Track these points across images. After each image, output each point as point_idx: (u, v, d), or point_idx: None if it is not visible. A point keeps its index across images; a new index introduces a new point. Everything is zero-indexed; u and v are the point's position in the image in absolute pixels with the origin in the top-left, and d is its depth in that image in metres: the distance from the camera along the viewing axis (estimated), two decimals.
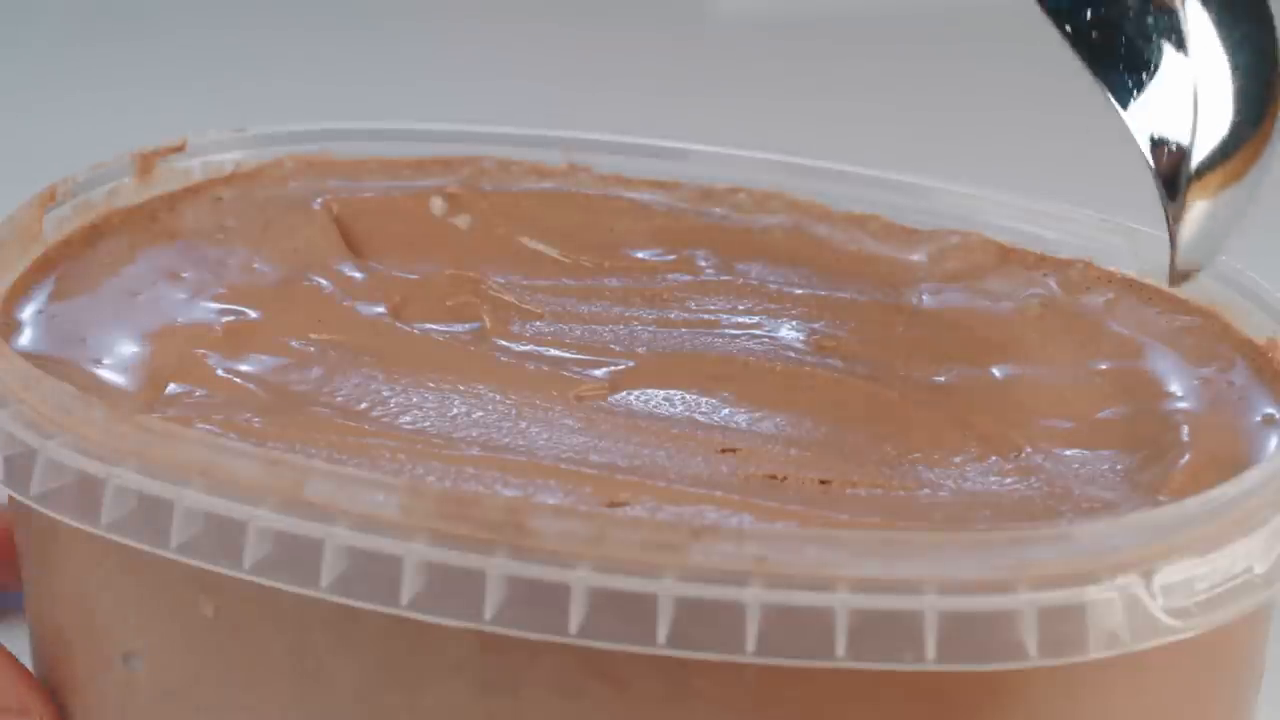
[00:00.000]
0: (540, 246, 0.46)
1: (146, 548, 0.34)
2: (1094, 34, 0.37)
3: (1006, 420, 0.40)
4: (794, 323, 0.43)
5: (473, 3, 1.00)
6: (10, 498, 0.36)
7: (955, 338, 0.43)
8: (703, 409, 0.40)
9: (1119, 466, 0.38)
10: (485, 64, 0.91)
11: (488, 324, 0.42)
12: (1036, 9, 0.39)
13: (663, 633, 0.31)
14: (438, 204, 0.47)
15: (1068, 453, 0.38)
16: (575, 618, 0.32)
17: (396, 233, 0.46)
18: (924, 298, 0.44)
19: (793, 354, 0.42)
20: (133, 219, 0.44)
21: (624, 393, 0.40)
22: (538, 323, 0.43)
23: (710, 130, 0.50)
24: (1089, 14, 0.37)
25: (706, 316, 0.43)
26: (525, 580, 0.32)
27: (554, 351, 0.42)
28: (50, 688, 0.38)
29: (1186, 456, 0.37)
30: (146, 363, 0.39)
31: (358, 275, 0.44)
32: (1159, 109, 0.36)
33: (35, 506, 0.35)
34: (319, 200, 0.46)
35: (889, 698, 0.33)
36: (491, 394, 0.39)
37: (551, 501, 0.35)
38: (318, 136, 0.47)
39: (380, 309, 0.42)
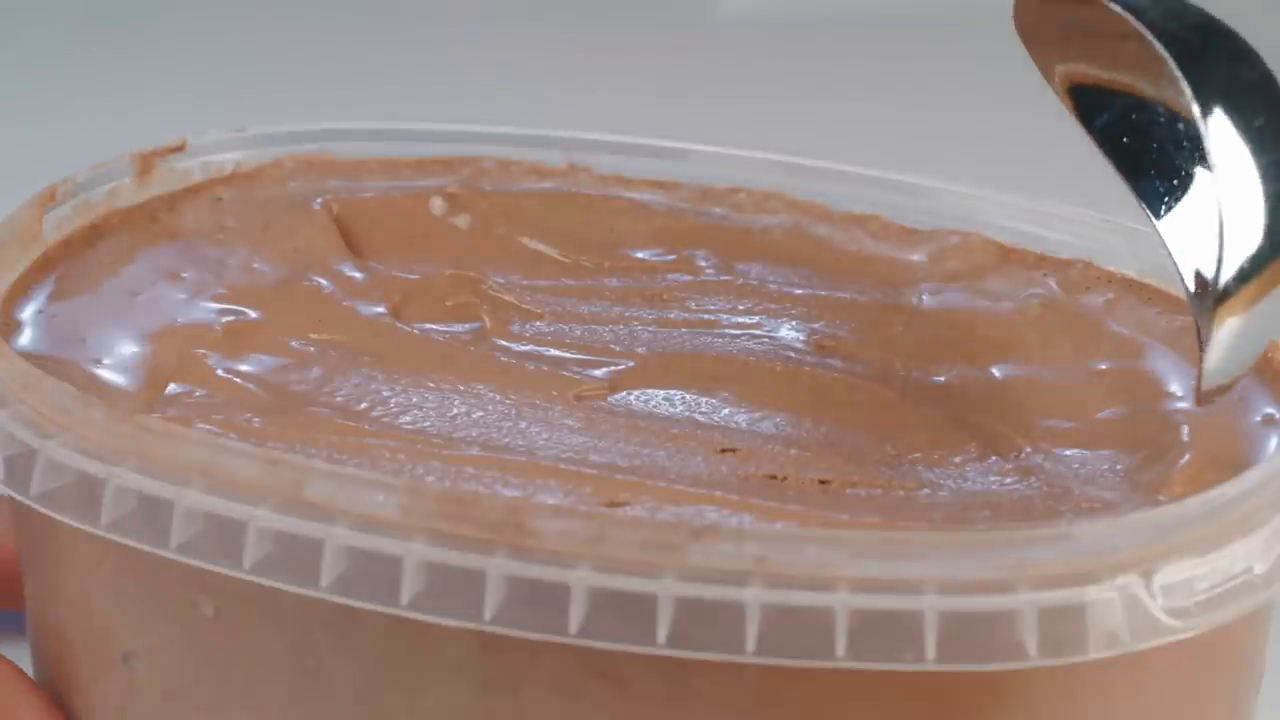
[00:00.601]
0: (540, 246, 0.46)
1: (146, 548, 0.34)
2: (1124, 139, 0.37)
3: (1006, 420, 0.40)
4: (794, 323, 0.43)
5: (473, 3, 1.00)
6: (10, 498, 0.36)
7: (955, 338, 0.43)
8: (703, 409, 0.40)
9: (1119, 466, 0.38)
10: (485, 64, 0.92)
11: (488, 324, 0.42)
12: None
13: (663, 633, 0.31)
14: (438, 204, 0.47)
15: (1068, 453, 0.38)
16: (575, 618, 0.32)
17: (396, 233, 0.46)
18: (924, 298, 0.44)
19: (793, 354, 0.42)
20: (133, 219, 0.44)
21: (624, 393, 0.40)
22: (538, 323, 0.43)
23: (710, 130, 0.50)
24: (1119, 118, 0.37)
25: (706, 316, 0.43)
26: (525, 580, 0.32)
27: (554, 351, 0.42)
28: (51, 689, 0.38)
29: (1186, 456, 0.37)
30: (146, 363, 0.39)
31: (358, 275, 0.44)
32: (1190, 222, 0.35)
33: (35, 506, 0.35)
34: (319, 200, 0.46)
35: (889, 698, 0.33)
36: (491, 394, 0.39)
37: (551, 501, 0.35)
38: (318, 136, 0.47)
39: (380, 309, 0.42)
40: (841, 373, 0.41)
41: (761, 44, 0.98)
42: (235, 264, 0.43)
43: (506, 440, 0.38)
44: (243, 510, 0.33)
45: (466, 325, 0.43)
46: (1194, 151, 0.35)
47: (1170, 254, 0.36)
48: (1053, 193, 0.46)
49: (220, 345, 0.40)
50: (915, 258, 0.46)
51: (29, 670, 0.39)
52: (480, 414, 0.38)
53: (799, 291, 0.44)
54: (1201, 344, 0.35)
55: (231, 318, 0.41)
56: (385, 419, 0.38)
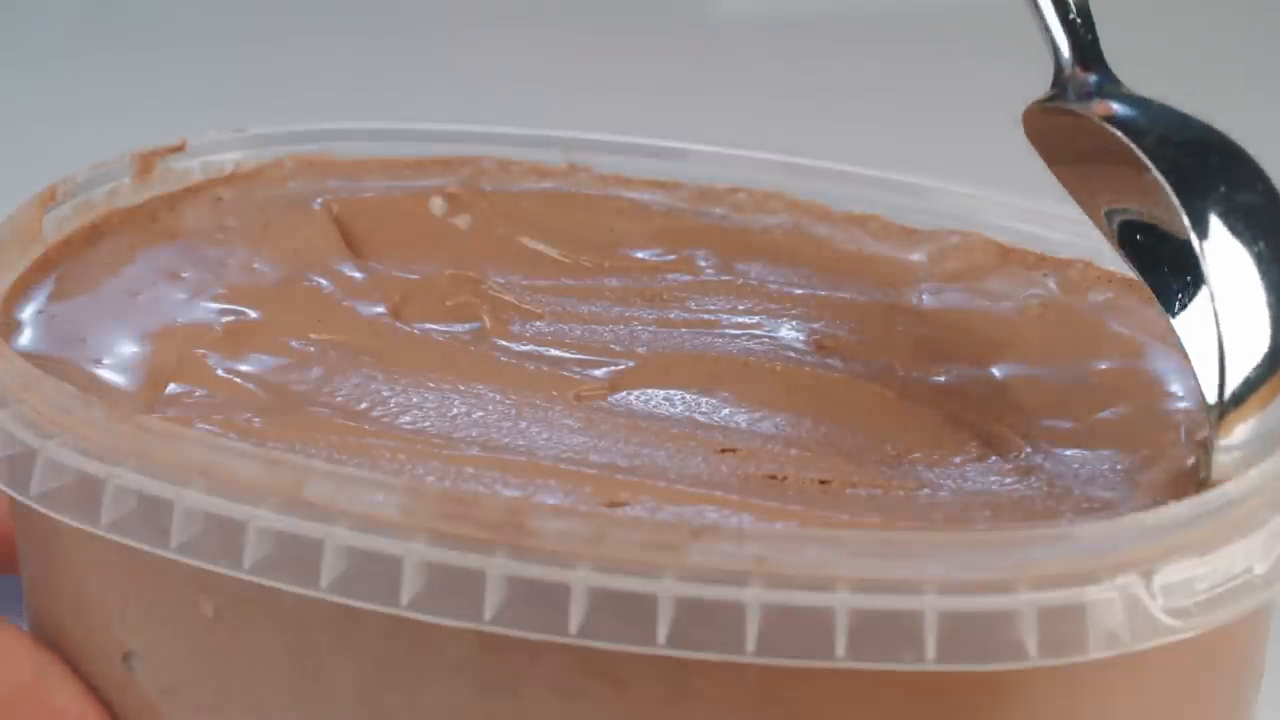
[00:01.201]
0: (540, 246, 0.46)
1: (146, 548, 0.34)
2: (1138, 236, 0.37)
3: (1006, 420, 0.40)
4: (794, 323, 0.43)
5: (473, 3, 1.00)
6: (10, 498, 0.36)
7: (955, 337, 0.43)
8: (702, 409, 0.40)
9: (1119, 466, 0.38)
10: (485, 64, 0.92)
11: (488, 324, 0.42)
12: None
13: (663, 633, 0.31)
14: (438, 204, 0.47)
15: (1068, 453, 0.38)
16: (575, 618, 0.32)
17: (396, 233, 0.46)
18: (924, 297, 0.44)
19: (793, 354, 0.42)
20: (133, 219, 0.44)
21: (624, 393, 0.40)
22: (538, 323, 0.43)
23: (710, 130, 0.50)
24: (1133, 220, 0.37)
25: (706, 316, 0.43)
26: (525, 580, 0.32)
27: (554, 351, 0.42)
28: None
29: (1186, 457, 0.37)
30: (146, 363, 0.39)
31: (358, 275, 0.44)
32: (1205, 324, 0.35)
33: (35, 506, 0.35)
34: (319, 200, 0.46)
35: (889, 698, 0.33)
36: (491, 394, 0.39)
37: (551, 501, 0.35)
38: (318, 136, 0.47)
39: (380, 309, 0.42)
40: (841, 373, 0.41)
41: (761, 44, 0.98)
42: (235, 264, 0.43)
43: (506, 440, 0.38)
44: (243, 510, 0.33)
45: (466, 325, 0.43)
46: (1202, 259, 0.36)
47: (1186, 351, 0.36)
48: (1053, 193, 0.46)
49: (220, 345, 0.40)
50: (915, 258, 0.46)
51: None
52: (480, 414, 0.38)
53: (799, 291, 0.44)
54: (1209, 444, 0.35)
55: (231, 318, 0.41)
56: (385, 419, 0.38)
